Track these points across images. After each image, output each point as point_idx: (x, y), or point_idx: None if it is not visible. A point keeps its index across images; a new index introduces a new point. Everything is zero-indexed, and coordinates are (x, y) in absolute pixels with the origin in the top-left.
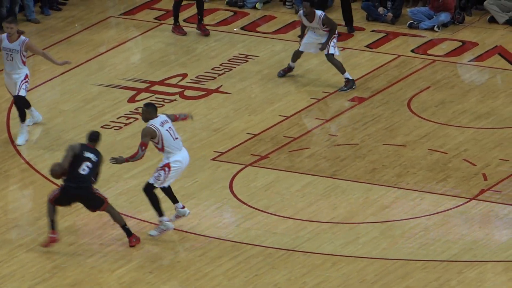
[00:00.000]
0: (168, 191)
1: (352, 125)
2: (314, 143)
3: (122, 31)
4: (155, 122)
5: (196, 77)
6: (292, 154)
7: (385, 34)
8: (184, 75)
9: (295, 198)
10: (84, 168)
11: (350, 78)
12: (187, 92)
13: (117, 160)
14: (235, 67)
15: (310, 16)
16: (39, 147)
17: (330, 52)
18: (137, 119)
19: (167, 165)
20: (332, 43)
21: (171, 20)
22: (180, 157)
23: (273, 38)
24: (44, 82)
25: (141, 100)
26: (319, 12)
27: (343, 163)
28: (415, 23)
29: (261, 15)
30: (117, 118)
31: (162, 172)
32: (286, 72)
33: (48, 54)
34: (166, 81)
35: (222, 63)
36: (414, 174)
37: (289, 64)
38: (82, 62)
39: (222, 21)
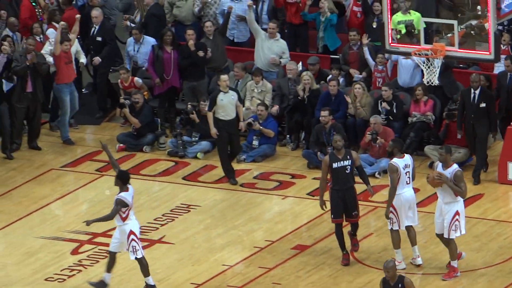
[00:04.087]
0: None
1: (296, 273)
2: None
3: (64, 183)
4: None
5: (139, 227)
6: None
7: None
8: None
9: None
10: None
11: None
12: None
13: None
14: (177, 217)
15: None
16: None
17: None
18: (80, 271)
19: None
20: None
21: (112, 172)
22: None
23: (215, 188)
24: None
25: (84, 252)
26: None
27: None
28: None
29: (202, 164)
30: (61, 271)
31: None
32: None
33: None
34: (109, 232)
35: (165, 214)
36: None
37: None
38: (23, 216)
39: (164, 172)
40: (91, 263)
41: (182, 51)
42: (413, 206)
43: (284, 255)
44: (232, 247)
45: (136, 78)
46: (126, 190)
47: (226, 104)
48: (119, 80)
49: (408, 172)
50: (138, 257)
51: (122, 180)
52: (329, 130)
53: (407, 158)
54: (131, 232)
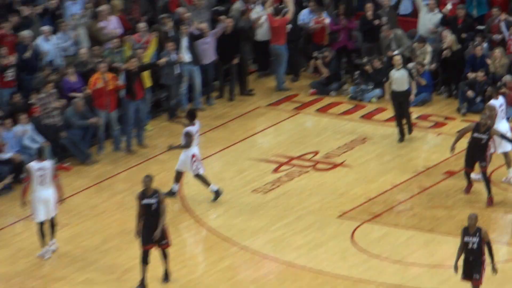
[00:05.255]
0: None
1: (446, 192)
2: (417, 205)
3: (269, 118)
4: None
5: (326, 154)
6: (399, 214)
7: None
8: (316, 152)
9: (401, 248)
10: None
11: None
12: (319, 165)
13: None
14: (355, 147)
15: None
16: (209, 205)
17: None
18: (279, 185)
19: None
20: None
21: (307, 110)
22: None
23: (385, 125)
24: (210, 155)
25: (283, 171)
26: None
27: (439, 222)
28: None
29: (375, 107)
30: (264, 185)
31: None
32: None
33: None
34: (302, 157)
35: (346, 143)
36: None
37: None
38: (236, 142)
39: (345, 112)
40: (288, 179)
41: (362, 19)
42: (508, 134)
43: (438, 178)
44: (397, 170)
45: (326, 19)
46: (193, 125)
47: (397, 78)
48: (313, 21)
49: (503, 110)
50: (199, 173)
51: (190, 118)
52: (482, 84)
53: (501, 99)
54: (193, 155)
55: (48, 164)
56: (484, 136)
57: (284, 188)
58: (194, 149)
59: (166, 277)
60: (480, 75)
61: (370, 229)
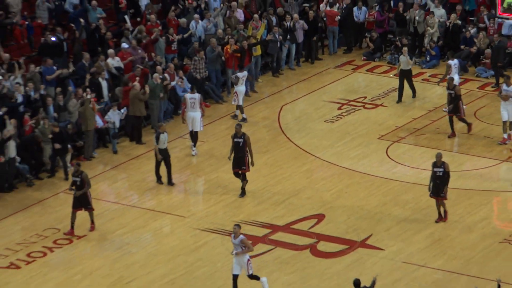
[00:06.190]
0: None
1: (446, 124)
2: (428, 131)
3: (335, 75)
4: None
5: (371, 98)
6: (418, 136)
7: None
8: (365, 97)
9: (417, 159)
10: None
11: None
12: (366, 106)
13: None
14: (391, 93)
15: None
16: (296, 130)
17: None
18: (342, 118)
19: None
20: None
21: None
22: None
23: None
24: (298, 98)
25: (346, 110)
26: None
27: (442, 142)
28: None
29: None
30: (332, 117)
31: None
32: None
33: None
34: (356, 100)
35: (384, 91)
36: None
37: None
38: (314, 90)
39: (384, 71)
40: (347, 114)
41: (396, 13)
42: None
43: (441, 114)
44: (416, 109)
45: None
46: (242, 71)
47: (403, 61)
48: (367, 14)
49: (456, 67)
50: (234, 103)
51: (239, 68)
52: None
53: (455, 60)
54: (235, 92)
55: (196, 95)
56: (452, 91)
57: (344, 120)
58: (240, 88)
59: (242, 192)
60: (473, 49)
61: (397, 147)
